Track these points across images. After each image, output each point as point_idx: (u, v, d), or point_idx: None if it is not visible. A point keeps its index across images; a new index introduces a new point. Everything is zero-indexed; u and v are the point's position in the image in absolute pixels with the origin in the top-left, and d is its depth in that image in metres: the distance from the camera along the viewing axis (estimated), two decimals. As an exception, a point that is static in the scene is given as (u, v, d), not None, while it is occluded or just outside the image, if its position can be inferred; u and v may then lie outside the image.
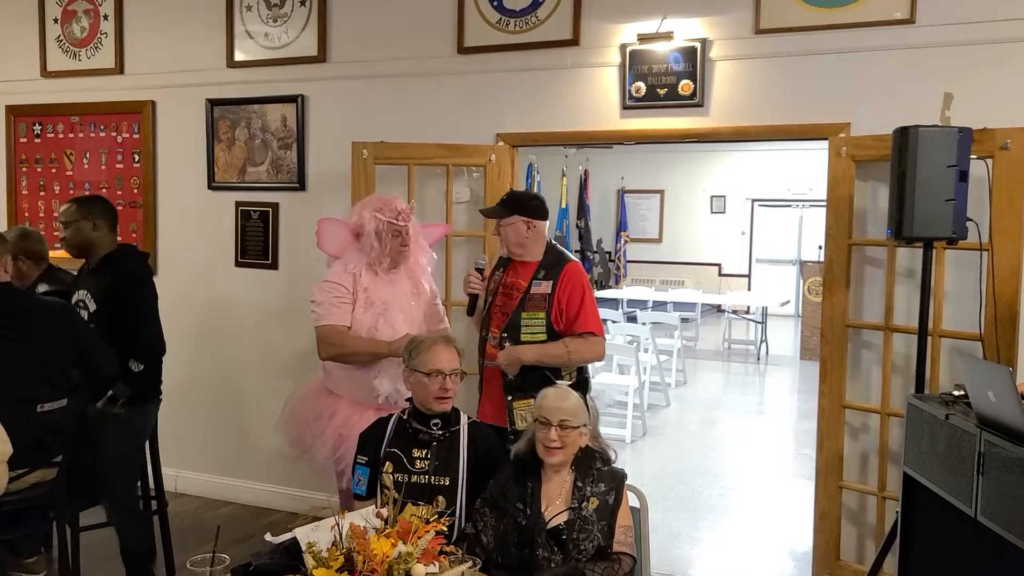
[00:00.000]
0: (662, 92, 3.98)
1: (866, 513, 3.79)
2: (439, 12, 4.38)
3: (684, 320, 9.76)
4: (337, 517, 2.04)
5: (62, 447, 3.23)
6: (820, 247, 12.09)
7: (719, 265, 14.97)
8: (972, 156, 3.12)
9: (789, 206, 14.45)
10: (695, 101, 3.93)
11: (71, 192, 5.38)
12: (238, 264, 4.94)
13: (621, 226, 14.42)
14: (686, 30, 3.93)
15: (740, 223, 14.89)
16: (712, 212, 14.98)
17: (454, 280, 4.32)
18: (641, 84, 4.01)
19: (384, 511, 2.10)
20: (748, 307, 12.29)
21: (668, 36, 3.93)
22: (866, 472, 3.78)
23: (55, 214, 5.42)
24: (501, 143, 4.26)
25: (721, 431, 7.41)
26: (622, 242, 14.32)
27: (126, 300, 3.47)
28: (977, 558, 2.55)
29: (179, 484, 5.04)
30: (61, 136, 5.39)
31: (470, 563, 2.05)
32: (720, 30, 3.89)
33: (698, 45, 3.90)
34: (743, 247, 14.93)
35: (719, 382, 9.95)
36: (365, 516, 2.10)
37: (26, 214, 5.51)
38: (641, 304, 11.70)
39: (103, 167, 5.28)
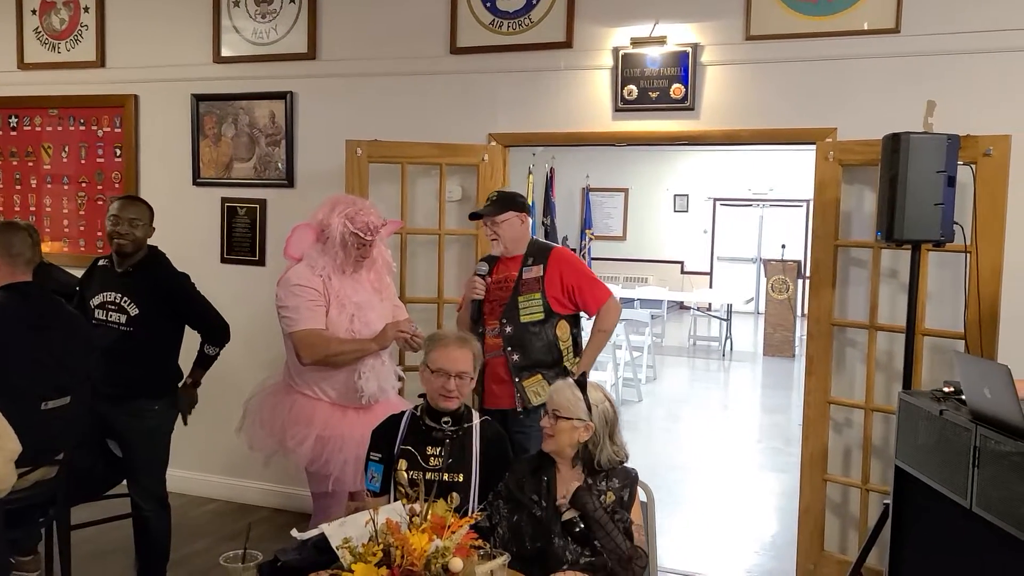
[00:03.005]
0: (654, 95, 4.06)
1: (849, 505, 3.92)
2: (432, 12, 4.40)
3: (652, 317, 9.88)
4: (371, 512, 2.08)
5: (64, 445, 3.20)
6: (783, 246, 12.47)
7: (681, 263, 15.19)
8: (958, 162, 3.25)
9: (750, 206, 14.71)
10: (686, 105, 4.01)
11: (48, 186, 5.30)
12: (224, 260, 4.91)
13: (586, 224, 14.53)
14: (678, 35, 4.01)
15: (702, 222, 15.12)
16: (675, 211, 15.19)
17: (446, 279, 4.37)
18: (633, 87, 4.08)
19: (416, 506, 2.13)
20: (709, 304, 12.51)
21: (661, 40, 4.01)
22: (848, 465, 3.91)
23: (31, 208, 5.35)
24: (494, 143, 4.30)
25: (691, 426, 7.55)
26: (587, 239, 14.44)
27: (185, 298, 3.68)
28: (971, 547, 2.67)
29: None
30: (38, 129, 5.30)
31: (505, 557, 2.10)
32: (711, 36, 3.98)
33: (690, 50, 3.98)
34: (705, 245, 15.16)
35: (687, 378, 10.11)
36: (398, 511, 2.14)
37: (0, 208, 5.41)
38: (608, 301, 11.81)
39: (82, 160, 5.20)
